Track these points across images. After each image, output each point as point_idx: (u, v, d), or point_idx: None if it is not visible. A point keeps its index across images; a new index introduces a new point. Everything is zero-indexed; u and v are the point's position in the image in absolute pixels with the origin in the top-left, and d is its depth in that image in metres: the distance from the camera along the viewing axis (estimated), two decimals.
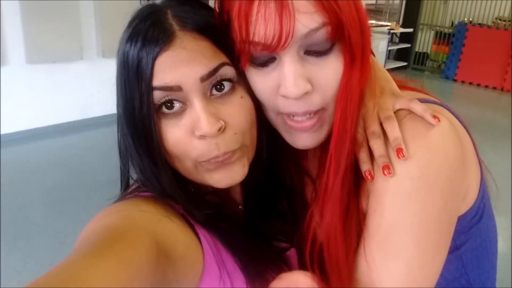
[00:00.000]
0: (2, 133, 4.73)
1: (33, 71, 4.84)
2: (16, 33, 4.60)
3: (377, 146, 0.67)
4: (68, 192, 3.73)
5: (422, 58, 9.82)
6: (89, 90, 5.19)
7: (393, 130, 0.66)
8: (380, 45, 8.25)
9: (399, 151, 0.64)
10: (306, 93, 0.64)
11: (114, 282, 0.47)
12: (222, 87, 0.67)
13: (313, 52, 0.64)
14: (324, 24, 0.61)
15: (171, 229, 0.65)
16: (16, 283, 2.60)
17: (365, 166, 0.68)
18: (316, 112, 0.68)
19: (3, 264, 2.83)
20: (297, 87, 0.63)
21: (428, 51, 9.83)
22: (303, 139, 0.71)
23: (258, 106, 0.71)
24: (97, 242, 0.53)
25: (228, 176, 0.69)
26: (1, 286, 2.57)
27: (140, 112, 0.65)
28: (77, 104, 5.28)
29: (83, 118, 5.33)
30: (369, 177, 0.67)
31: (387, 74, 0.78)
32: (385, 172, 0.64)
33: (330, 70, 0.65)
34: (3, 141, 4.67)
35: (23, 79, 4.82)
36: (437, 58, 9.63)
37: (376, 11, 9.78)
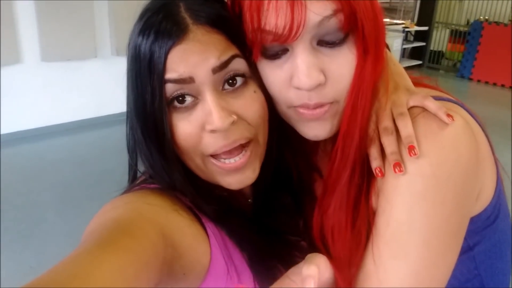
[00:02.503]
0: (17, 130, 4.79)
1: (48, 69, 4.89)
2: (31, 32, 4.66)
3: (389, 142, 0.65)
4: (82, 190, 3.77)
5: (437, 56, 9.72)
6: (103, 88, 5.23)
7: (405, 127, 0.65)
8: (394, 44, 8.18)
9: (411, 148, 0.62)
10: (319, 85, 0.64)
11: (121, 276, 0.47)
12: (235, 81, 0.67)
13: (326, 42, 0.63)
14: (336, 12, 0.60)
15: (178, 222, 0.65)
16: (31, 279, 2.60)
17: (375, 163, 0.67)
18: (329, 107, 0.67)
19: (18, 260, 2.86)
20: (310, 78, 0.62)
21: (444, 50, 9.73)
22: (315, 128, 0.70)
23: (269, 103, 0.71)
24: (104, 236, 0.53)
25: (239, 181, 0.70)
26: (16, 283, 2.60)
27: (151, 106, 0.64)
28: (91, 102, 5.32)
29: (97, 116, 5.37)
30: (379, 174, 0.66)
31: (403, 70, 0.77)
32: (396, 169, 0.63)
33: (344, 61, 0.64)
34: (18, 138, 4.73)
35: (38, 77, 4.87)
36: (452, 57, 9.52)
37: (390, 9, 9.71)
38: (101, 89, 5.26)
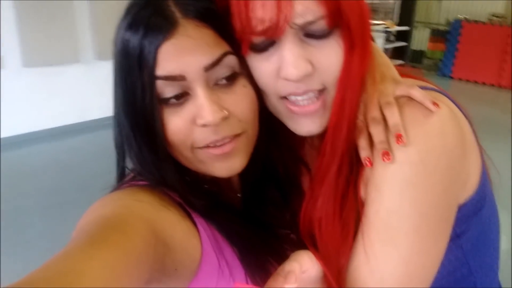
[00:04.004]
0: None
1: (30, 74, 4.84)
2: (12, 37, 4.60)
3: (377, 132, 0.66)
4: (66, 196, 3.72)
5: (419, 56, 9.81)
6: (86, 93, 5.19)
7: (392, 115, 0.65)
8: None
9: (398, 137, 0.63)
10: (306, 76, 0.64)
11: (111, 273, 0.47)
12: (225, 77, 0.66)
13: (313, 35, 0.64)
14: (322, 17, 0.61)
15: (168, 218, 0.65)
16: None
17: (364, 153, 0.67)
18: (318, 94, 0.68)
19: (3, 268, 2.81)
20: (298, 68, 0.63)
21: (425, 49, 9.83)
22: (307, 124, 0.71)
23: (259, 97, 0.71)
24: (94, 233, 0.52)
25: (227, 167, 0.69)
26: None
27: (142, 102, 0.64)
28: (74, 107, 5.27)
29: (80, 121, 5.32)
30: (368, 163, 0.66)
31: (388, 61, 0.78)
32: (385, 158, 0.64)
33: (331, 51, 0.65)
34: (1, 144, 4.66)
35: (20, 82, 4.81)
36: (433, 56, 9.62)
37: (371, 10, 9.76)
38: (84, 94, 5.22)
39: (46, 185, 3.95)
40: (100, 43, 5.11)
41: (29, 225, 3.34)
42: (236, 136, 0.68)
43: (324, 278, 0.67)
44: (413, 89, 0.67)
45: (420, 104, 0.66)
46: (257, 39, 0.65)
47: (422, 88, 0.69)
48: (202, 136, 0.66)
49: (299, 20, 0.61)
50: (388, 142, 0.65)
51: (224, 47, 0.65)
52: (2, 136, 4.75)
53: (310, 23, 0.62)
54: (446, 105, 0.67)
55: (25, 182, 4.02)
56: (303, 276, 0.62)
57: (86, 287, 0.43)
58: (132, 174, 0.74)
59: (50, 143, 4.93)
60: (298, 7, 0.60)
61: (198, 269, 0.66)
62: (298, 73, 0.63)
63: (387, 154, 0.64)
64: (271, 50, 0.66)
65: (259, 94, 0.71)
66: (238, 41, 0.66)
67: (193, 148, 0.67)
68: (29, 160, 4.52)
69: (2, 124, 4.74)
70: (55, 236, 3.12)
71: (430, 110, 0.64)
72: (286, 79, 0.65)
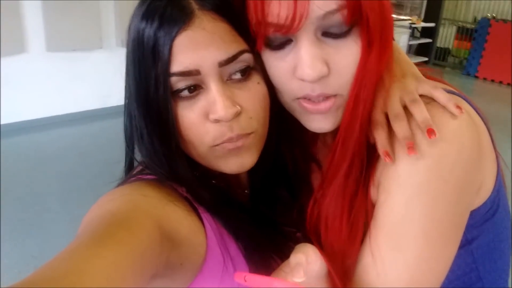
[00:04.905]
0: (21, 120, 4.79)
1: (53, 59, 4.89)
2: (36, 21, 4.64)
3: (401, 128, 0.64)
4: (85, 180, 3.76)
5: (444, 53, 9.66)
6: (108, 79, 5.21)
7: (421, 112, 0.63)
8: (401, 40, 8.13)
9: (430, 131, 0.61)
10: (322, 77, 0.63)
11: (115, 271, 0.46)
12: (240, 73, 0.66)
13: (330, 34, 0.62)
14: (340, 8, 0.60)
15: (175, 214, 0.64)
16: (33, 268, 2.61)
17: (382, 148, 0.65)
18: (331, 97, 0.66)
19: (20, 250, 2.87)
20: (314, 69, 0.62)
21: (450, 47, 9.67)
22: (319, 121, 0.69)
23: (271, 94, 0.71)
24: (99, 230, 0.52)
25: (238, 163, 0.69)
26: (18, 272, 2.61)
27: (155, 95, 0.63)
28: (96, 93, 5.31)
29: (101, 107, 5.36)
30: (387, 158, 0.64)
31: (408, 58, 0.76)
32: (411, 151, 0.61)
33: (348, 52, 0.63)
34: (22, 128, 4.73)
35: (43, 67, 4.86)
36: (458, 54, 9.46)
37: (397, 5, 9.64)
38: (106, 80, 5.24)
39: (66, 170, 4.00)
40: (123, 29, 5.07)
41: (47, 209, 3.40)
42: (246, 134, 0.67)
43: (329, 277, 0.66)
44: (436, 90, 0.65)
45: (440, 107, 0.64)
46: (273, 36, 0.64)
47: None
48: (218, 133, 0.65)
49: (317, 12, 0.59)
50: (413, 137, 0.63)
51: (241, 45, 0.64)
52: (23, 119, 4.82)
53: (329, 14, 0.60)
54: (464, 110, 0.65)
55: (45, 166, 4.08)
56: (308, 268, 0.61)
57: (87, 287, 0.43)
58: (140, 167, 0.74)
59: (71, 128, 4.99)
60: (316, 1, 0.59)
61: (203, 264, 0.66)
62: (314, 74, 0.62)
63: (412, 147, 0.61)
64: (287, 49, 0.65)
65: (272, 90, 0.70)
66: (254, 37, 0.65)
67: (210, 146, 0.66)
68: (49, 144, 4.58)
69: (25, 107, 4.81)
70: (72, 220, 3.18)
71: (449, 115, 0.63)
72: (302, 80, 0.64)
